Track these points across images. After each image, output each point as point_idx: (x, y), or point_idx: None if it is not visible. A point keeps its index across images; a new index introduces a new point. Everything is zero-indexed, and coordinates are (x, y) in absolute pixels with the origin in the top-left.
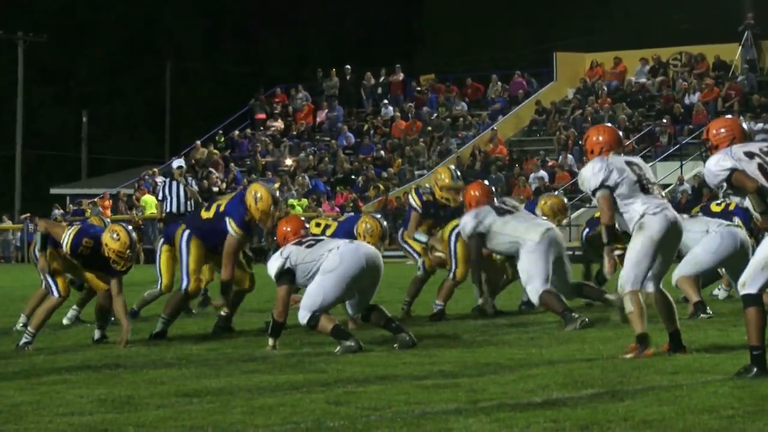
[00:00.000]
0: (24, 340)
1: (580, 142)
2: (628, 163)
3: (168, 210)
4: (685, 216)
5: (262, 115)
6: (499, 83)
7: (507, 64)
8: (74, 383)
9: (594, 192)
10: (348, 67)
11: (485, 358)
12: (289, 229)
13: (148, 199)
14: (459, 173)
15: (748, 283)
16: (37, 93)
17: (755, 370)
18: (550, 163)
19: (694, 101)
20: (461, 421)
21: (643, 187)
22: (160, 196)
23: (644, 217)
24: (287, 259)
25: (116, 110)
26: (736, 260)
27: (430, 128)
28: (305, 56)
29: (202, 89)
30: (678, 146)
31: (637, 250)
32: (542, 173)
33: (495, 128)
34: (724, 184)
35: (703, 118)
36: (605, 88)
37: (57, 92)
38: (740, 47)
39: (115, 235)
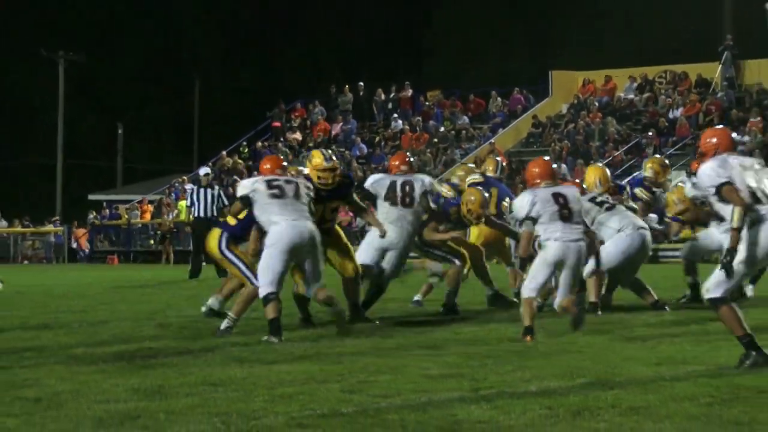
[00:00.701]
0: (226, 325)
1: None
2: (555, 195)
3: (195, 215)
4: (609, 203)
5: (278, 124)
6: (499, 99)
7: (507, 81)
8: (110, 373)
9: (521, 222)
10: (361, 84)
11: (486, 350)
12: (268, 166)
13: (182, 205)
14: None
15: (711, 289)
16: (74, 106)
17: (753, 354)
18: None
19: (677, 116)
20: (464, 408)
21: (563, 216)
22: (189, 202)
23: (548, 241)
24: (254, 191)
25: (146, 122)
26: (638, 262)
27: (436, 140)
28: (321, 71)
29: (225, 102)
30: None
31: (535, 266)
32: None
33: (492, 141)
34: (713, 190)
35: (685, 132)
36: (596, 104)
37: (91, 106)
38: (720, 66)
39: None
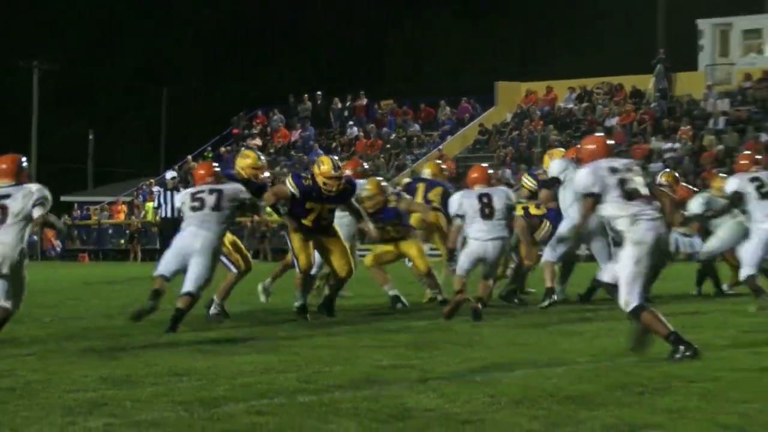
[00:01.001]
0: (214, 311)
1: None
2: (481, 195)
3: (163, 215)
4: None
5: (237, 131)
6: (448, 108)
7: (455, 91)
8: (80, 364)
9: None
10: (319, 93)
11: (434, 343)
12: (201, 172)
13: (149, 206)
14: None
15: (628, 301)
16: (51, 113)
17: (681, 348)
18: None
19: (613, 124)
20: (413, 397)
21: (483, 214)
22: (156, 204)
23: (470, 239)
24: (183, 203)
25: (121, 129)
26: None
27: (388, 146)
28: (285, 83)
29: (196, 110)
30: None
31: (460, 258)
32: None
33: (441, 147)
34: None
35: (621, 139)
36: (538, 113)
37: (68, 112)
38: (653, 78)
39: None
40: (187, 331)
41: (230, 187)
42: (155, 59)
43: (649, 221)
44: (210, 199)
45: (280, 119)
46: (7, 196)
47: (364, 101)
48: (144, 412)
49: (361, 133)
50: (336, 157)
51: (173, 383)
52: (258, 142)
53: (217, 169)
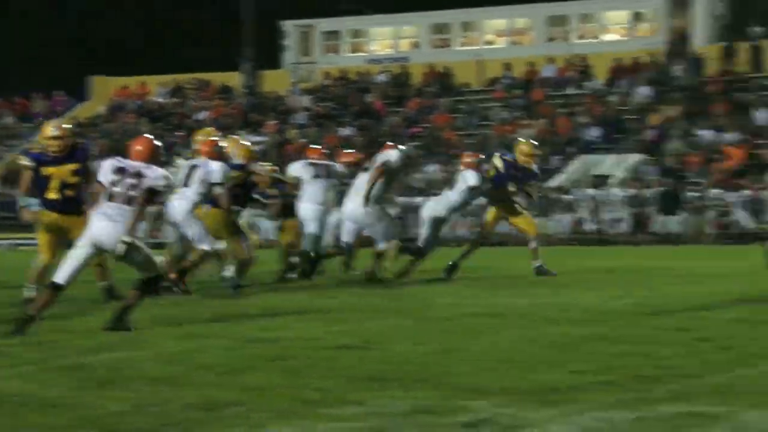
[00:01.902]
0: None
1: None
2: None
3: None
4: None
5: None
6: (42, 100)
7: (51, 85)
8: None
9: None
10: None
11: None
12: None
13: None
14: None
15: (56, 276)
16: None
17: (18, 330)
18: None
19: (203, 118)
20: (4, 383)
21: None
22: None
23: None
24: None
25: None
26: None
27: None
28: None
29: None
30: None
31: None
32: None
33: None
34: (99, 185)
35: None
36: (132, 106)
37: None
38: (241, 75)
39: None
40: None
41: None
42: None
43: (97, 221)
44: None
45: None
46: None
47: None
48: None
49: None
50: (61, 121)
51: None
52: None
53: None
